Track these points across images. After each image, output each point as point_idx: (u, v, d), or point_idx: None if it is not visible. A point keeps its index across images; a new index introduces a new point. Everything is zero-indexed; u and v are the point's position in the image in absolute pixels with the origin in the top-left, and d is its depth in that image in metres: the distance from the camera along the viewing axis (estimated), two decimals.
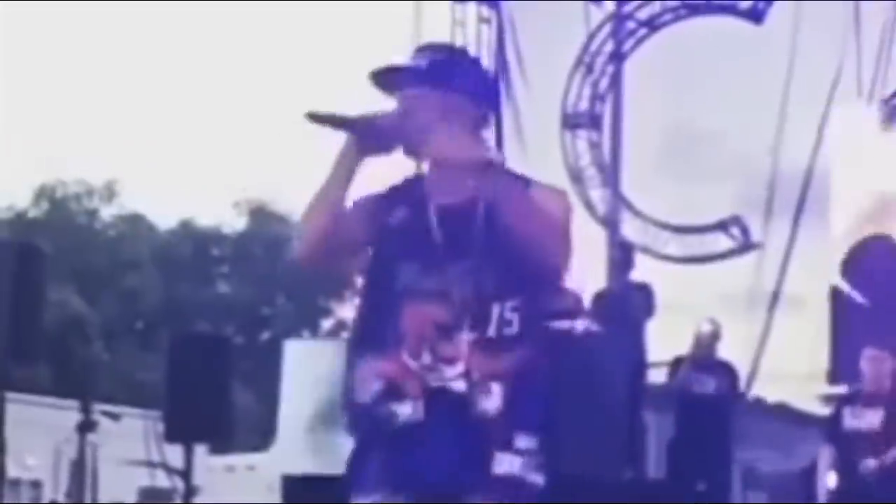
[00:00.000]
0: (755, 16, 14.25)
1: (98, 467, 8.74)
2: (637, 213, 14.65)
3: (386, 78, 3.34)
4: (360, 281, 3.50)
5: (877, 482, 8.88)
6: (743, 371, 11.94)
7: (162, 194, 51.36)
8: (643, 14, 14.97)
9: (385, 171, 3.46)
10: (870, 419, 9.08)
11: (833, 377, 12.28)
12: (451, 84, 3.33)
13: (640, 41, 15.01)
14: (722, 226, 14.36)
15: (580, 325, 9.91)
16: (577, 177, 14.83)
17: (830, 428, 9.42)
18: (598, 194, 14.86)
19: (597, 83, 15.05)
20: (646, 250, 13.75)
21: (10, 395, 7.95)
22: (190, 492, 9.24)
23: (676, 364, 11.06)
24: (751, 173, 14.41)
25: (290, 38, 53.97)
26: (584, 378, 8.83)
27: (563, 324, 9.46)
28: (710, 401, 10.77)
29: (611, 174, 14.83)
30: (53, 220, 36.71)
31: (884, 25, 13.29)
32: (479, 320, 3.25)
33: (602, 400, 9.30)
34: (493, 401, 3.23)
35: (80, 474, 8.61)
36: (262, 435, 21.23)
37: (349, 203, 3.36)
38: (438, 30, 14.37)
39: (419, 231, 3.32)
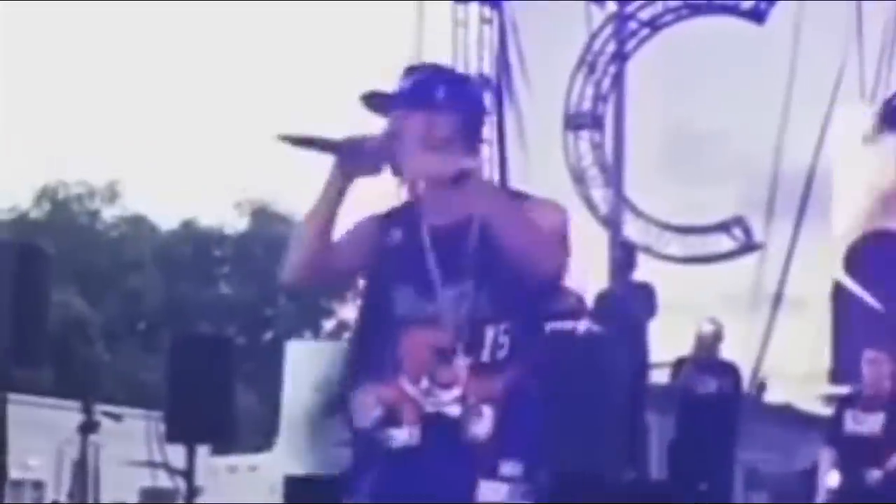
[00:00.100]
0: (757, 16, 14.23)
1: (100, 468, 8.72)
2: (639, 214, 14.63)
3: (372, 102, 3.36)
4: (357, 304, 3.50)
5: (878, 485, 8.87)
6: (745, 371, 11.93)
7: (164, 195, 51.49)
8: (645, 14, 14.94)
9: (379, 192, 3.47)
10: (871, 422, 9.08)
11: (835, 377, 12.28)
12: (433, 102, 3.32)
13: (642, 41, 15.00)
14: (724, 226, 14.33)
15: (582, 325, 9.92)
16: (579, 177, 14.82)
17: (831, 430, 9.41)
18: (600, 195, 14.85)
19: (599, 83, 15.04)
20: (648, 251, 13.73)
21: (12, 397, 7.91)
22: (192, 492, 9.23)
23: (678, 364, 11.05)
24: (753, 173, 14.41)
25: (292, 39, 54.10)
26: (586, 378, 8.83)
27: (565, 324, 9.46)
28: (712, 401, 10.76)
29: (613, 174, 14.81)
30: (55, 221, 36.73)
31: (886, 26, 13.27)
32: (473, 344, 3.26)
33: (604, 400, 9.29)
34: (483, 425, 3.23)
35: (83, 475, 8.59)
36: (264, 435, 21.26)
37: (342, 226, 3.37)
38: (440, 30, 14.42)
39: (414, 254, 3.33)
